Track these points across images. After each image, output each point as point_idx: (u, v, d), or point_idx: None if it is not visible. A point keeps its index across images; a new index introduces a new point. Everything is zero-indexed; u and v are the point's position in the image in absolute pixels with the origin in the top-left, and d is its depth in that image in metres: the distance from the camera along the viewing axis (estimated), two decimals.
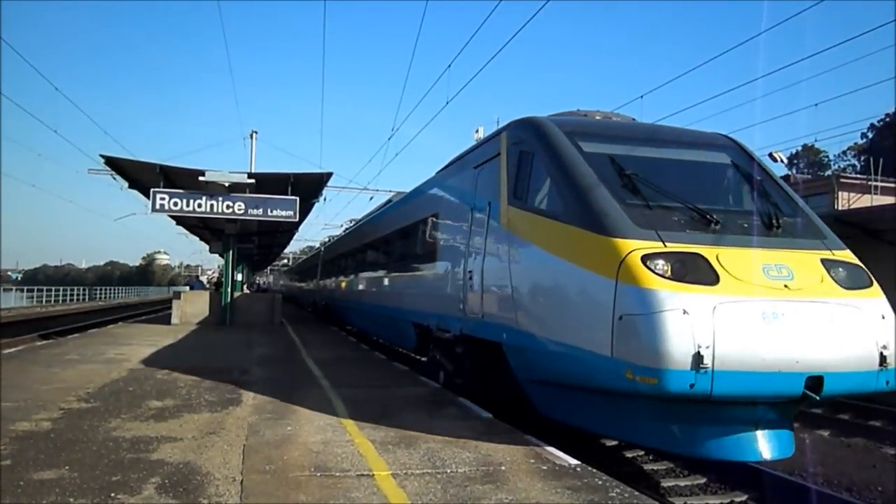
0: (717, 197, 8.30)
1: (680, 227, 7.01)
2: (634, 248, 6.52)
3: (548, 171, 8.14)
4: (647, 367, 6.00)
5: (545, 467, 6.12)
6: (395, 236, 16.98)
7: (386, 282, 17.97)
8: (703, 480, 8.32)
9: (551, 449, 6.81)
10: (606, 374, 6.47)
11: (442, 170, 13.36)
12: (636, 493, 5.50)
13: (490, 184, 9.59)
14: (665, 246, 6.59)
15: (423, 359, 14.98)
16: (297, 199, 21.57)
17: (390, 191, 32.47)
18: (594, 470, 6.09)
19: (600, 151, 8.05)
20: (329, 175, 22.53)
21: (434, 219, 12.82)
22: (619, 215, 6.95)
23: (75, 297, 61.00)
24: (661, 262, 6.39)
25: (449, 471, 5.93)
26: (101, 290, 77.80)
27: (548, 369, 7.80)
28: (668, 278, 6.27)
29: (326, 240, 43.39)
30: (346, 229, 35.54)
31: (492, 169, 9.66)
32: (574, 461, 6.34)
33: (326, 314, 32.94)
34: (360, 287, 22.42)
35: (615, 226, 6.83)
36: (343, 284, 27.17)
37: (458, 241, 10.90)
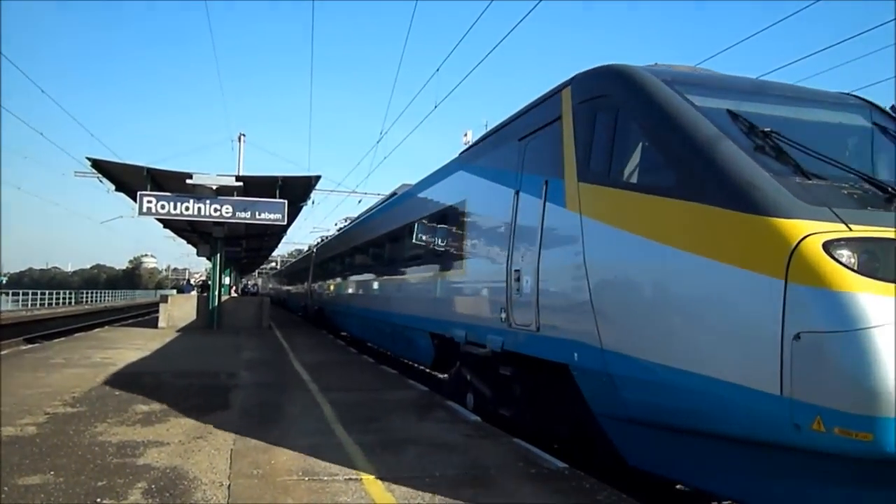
0: (872, 166, 6.23)
1: (858, 204, 5.02)
2: (811, 230, 4.52)
3: (649, 131, 6.16)
4: (853, 414, 4.05)
5: (533, 470, 6.13)
6: (408, 232, 13.99)
7: (395, 285, 15.33)
8: None
9: (539, 452, 6.83)
10: (769, 422, 4.48)
11: (469, 149, 11.07)
12: (623, 496, 5.51)
13: (545, 157, 7.58)
14: (850, 229, 4.58)
15: (443, 376, 13.40)
16: (286, 202, 21.58)
17: (378, 194, 32.39)
18: (582, 473, 6.10)
19: (717, 106, 6.07)
20: (317, 178, 22.56)
21: (460, 208, 10.55)
22: (774, 187, 4.97)
23: (61, 301, 60.47)
24: (846, 252, 4.43)
25: (437, 474, 5.92)
26: (87, 293, 77.11)
27: (649, 406, 5.73)
28: (861, 275, 4.34)
29: (319, 241, 40.96)
30: (342, 228, 32.58)
31: (548, 138, 7.63)
32: (562, 464, 6.36)
33: (319, 320, 30.83)
34: (362, 291, 19.84)
35: (774, 200, 4.82)
36: (340, 288, 24.60)
37: (496, 233, 8.88)
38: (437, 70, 15.91)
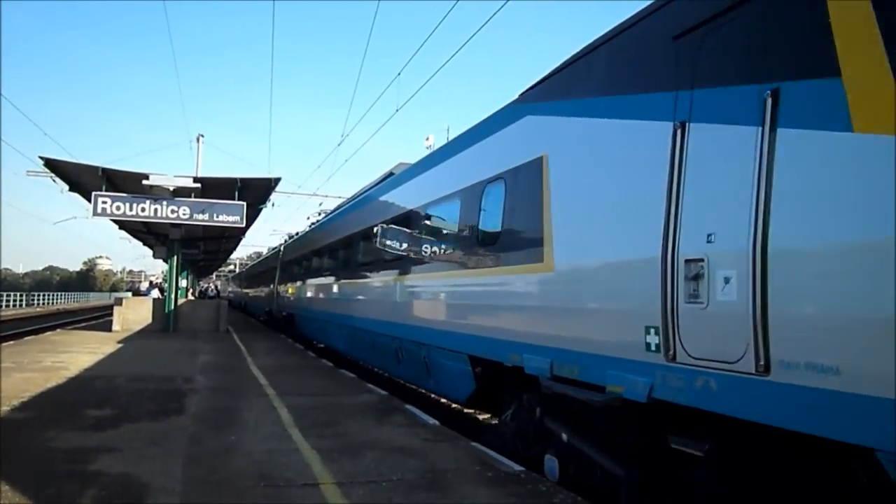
0: None
1: None
2: None
3: None
4: None
5: (490, 474, 6.16)
6: (435, 214, 10.41)
7: (406, 288, 11.47)
8: None
9: (497, 455, 6.88)
10: None
11: (545, 80, 7.45)
12: (579, 499, 5.58)
13: (764, 50, 4.49)
14: None
15: (492, 419, 10.84)
16: (245, 204, 21.37)
17: (340, 196, 32.21)
18: (539, 476, 6.17)
19: None
20: (277, 180, 22.39)
21: (531, 170, 7.11)
22: None
23: (11, 303, 58.99)
24: None
25: (395, 478, 5.92)
26: (38, 295, 75.25)
27: None
28: None
29: (286, 238, 36.52)
30: (317, 222, 28.09)
31: (766, 14, 4.53)
32: (519, 467, 6.41)
33: (288, 328, 27.08)
34: (351, 295, 15.67)
35: None
36: (318, 291, 20.54)
37: (623, 198, 5.61)
38: (399, 74, 15.88)
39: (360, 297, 14.83)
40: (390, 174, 16.04)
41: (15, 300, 61.31)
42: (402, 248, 11.40)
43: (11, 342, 20.51)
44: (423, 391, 13.11)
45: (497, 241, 7.90)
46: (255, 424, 8.18)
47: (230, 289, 77.62)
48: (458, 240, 9.21)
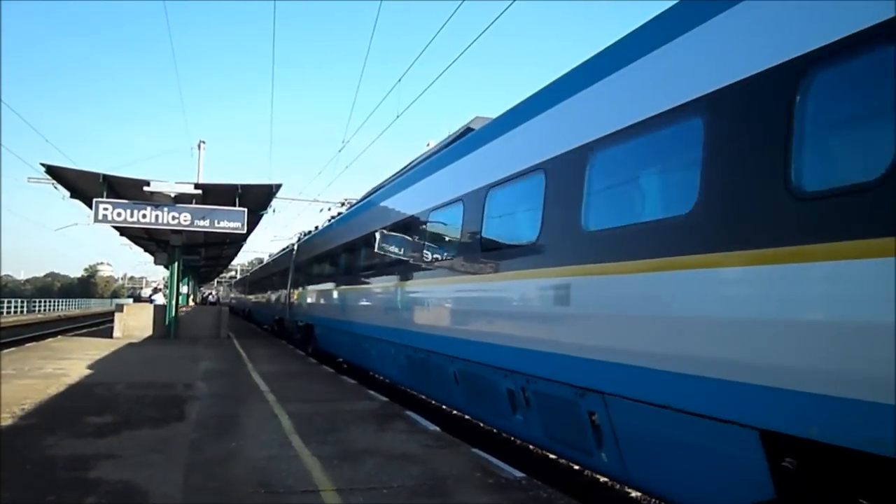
0: None
1: None
2: None
3: None
4: None
5: (491, 480, 6.15)
6: (621, 155, 5.83)
7: (541, 292, 6.78)
8: None
9: (498, 462, 6.86)
10: None
11: None
12: None
13: None
14: None
15: None
16: (245, 210, 21.41)
17: (342, 203, 32.01)
18: (540, 483, 6.14)
19: None
20: (278, 186, 22.39)
21: None
22: None
23: (12, 310, 59.05)
24: None
25: (395, 485, 5.91)
26: (40, 302, 75.34)
27: None
28: None
29: (300, 236, 29.78)
30: (340, 214, 22.37)
31: None
32: (520, 474, 6.39)
33: (306, 342, 22.02)
34: (425, 303, 10.43)
35: None
36: (359, 297, 14.82)
37: None
38: (399, 80, 15.88)
39: (442, 305, 9.68)
40: (468, 130, 11.26)
41: (16, 307, 61.40)
42: (546, 223, 6.78)
43: (12, 349, 20.51)
44: (498, 429, 8.97)
45: None
46: (256, 431, 8.17)
47: (232, 295, 77.22)
48: (712, 194, 4.57)
